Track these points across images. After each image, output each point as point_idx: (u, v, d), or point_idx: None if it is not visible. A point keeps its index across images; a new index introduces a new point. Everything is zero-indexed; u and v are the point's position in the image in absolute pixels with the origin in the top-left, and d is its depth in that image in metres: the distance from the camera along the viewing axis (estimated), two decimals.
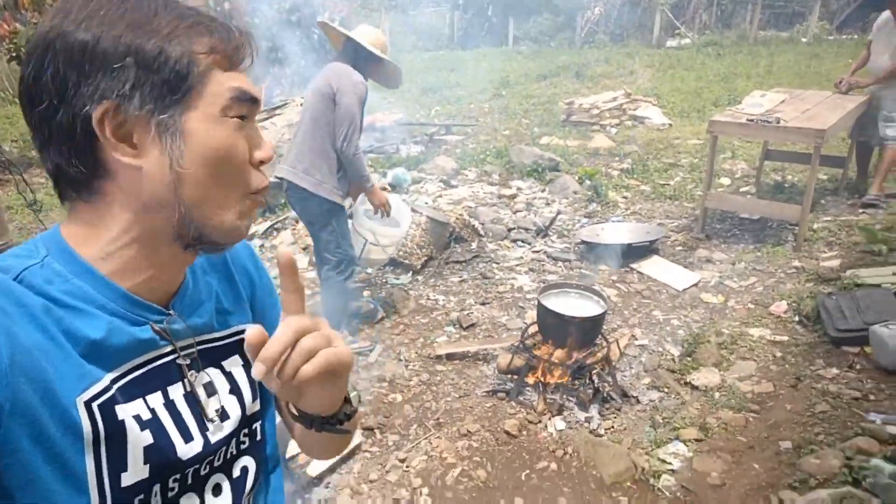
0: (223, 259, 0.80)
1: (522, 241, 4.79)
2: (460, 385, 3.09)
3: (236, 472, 0.76)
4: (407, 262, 4.23)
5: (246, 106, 0.64)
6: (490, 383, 3.09)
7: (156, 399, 0.67)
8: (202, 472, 0.71)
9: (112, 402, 0.62)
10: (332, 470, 2.52)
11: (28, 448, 0.56)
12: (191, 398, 0.70)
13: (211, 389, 0.73)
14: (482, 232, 4.81)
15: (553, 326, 2.93)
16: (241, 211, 0.67)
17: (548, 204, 5.71)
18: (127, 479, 0.63)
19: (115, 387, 0.63)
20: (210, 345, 0.75)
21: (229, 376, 0.76)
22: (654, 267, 4.29)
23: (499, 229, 4.89)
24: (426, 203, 5.13)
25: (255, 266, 0.86)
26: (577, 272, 4.32)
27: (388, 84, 3.36)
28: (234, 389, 0.76)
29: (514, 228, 4.99)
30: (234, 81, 0.63)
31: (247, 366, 0.77)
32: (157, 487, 0.66)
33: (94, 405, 0.60)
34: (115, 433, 0.62)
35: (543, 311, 2.91)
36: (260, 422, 0.80)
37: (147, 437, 0.64)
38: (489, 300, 3.93)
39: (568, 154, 7.11)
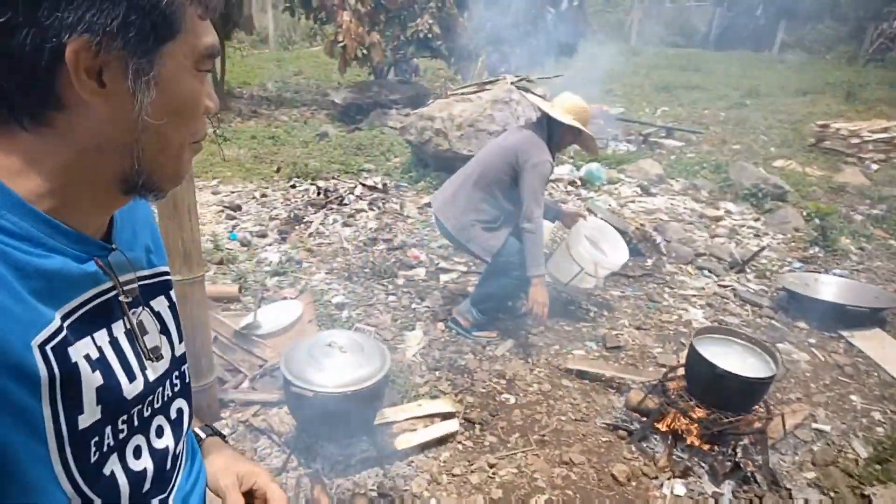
0: (140, 202, 0.78)
1: (710, 272, 4.19)
2: (581, 407, 2.80)
3: (173, 414, 0.78)
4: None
5: (213, 60, 0.64)
6: (614, 416, 2.75)
7: (102, 337, 0.66)
8: (145, 414, 0.72)
9: (65, 343, 0.60)
10: (420, 448, 2.44)
11: None
12: (131, 336, 0.70)
13: (143, 329, 0.73)
14: (664, 250, 4.31)
15: (702, 377, 2.48)
16: (184, 159, 0.67)
17: (757, 236, 4.93)
18: (83, 422, 0.62)
19: (66, 325, 0.61)
20: (141, 283, 0.74)
21: (158, 316, 0.77)
22: (871, 341, 3.46)
23: (685, 251, 4.33)
24: (606, 206, 4.73)
25: (154, 225, 0.86)
26: (766, 322, 3.65)
27: (586, 150, 3.23)
28: (164, 330, 0.77)
29: (704, 254, 4.39)
30: (209, 35, 0.62)
31: (172, 307, 0.80)
32: (109, 429, 0.66)
33: (48, 348, 0.58)
34: (70, 376, 0.60)
35: (695, 356, 2.47)
36: (186, 365, 0.82)
37: (98, 378, 0.63)
38: (647, 326, 3.51)
39: (802, 184, 6.07)
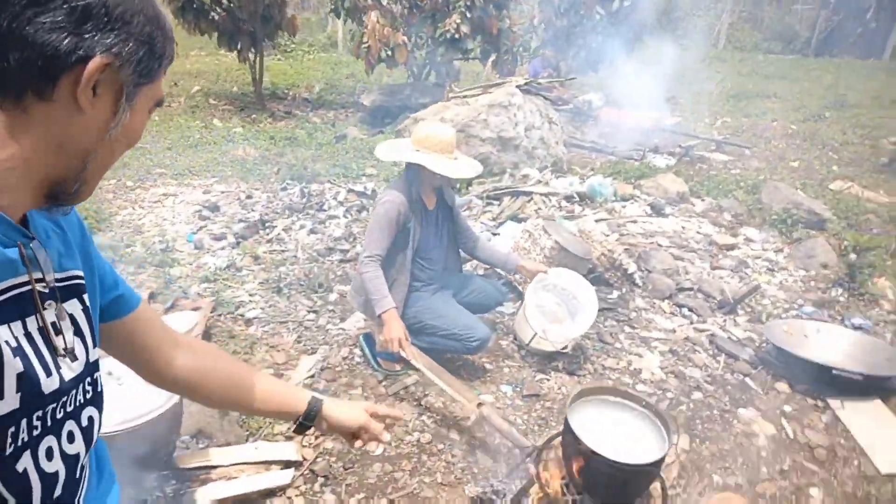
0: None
1: (690, 311, 3.59)
2: (456, 469, 2.39)
3: (84, 421, 0.77)
4: (519, 288, 3.51)
5: (157, 108, 0.77)
6: (491, 485, 2.31)
7: (17, 328, 0.66)
8: (58, 416, 0.71)
9: None
10: (239, 502, 2.14)
11: None
12: (44, 333, 0.70)
13: (56, 328, 0.72)
14: (638, 281, 3.74)
15: (570, 452, 2.01)
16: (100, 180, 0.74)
17: (771, 270, 4.23)
18: (2, 408, 0.62)
19: None
20: (55, 284, 0.74)
21: (72, 318, 0.77)
22: (863, 416, 2.79)
23: (666, 284, 3.75)
24: (571, 225, 4.19)
25: (83, 227, 0.88)
26: (737, 379, 3.05)
27: (453, 174, 2.67)
28: (78, 332, 0.77)
29: (689, 290, 3.78)
30: (161, 89, 0.75)
31: (86, 311, 0.79)
32: (24, 422, 0.65)
33: None
34: None
35: (567, 427, 2.01)
36: (99, 372, 0.81)
37: (18, 365, 0.64)
38: (584, 372, 3.01)
39: (855, 210, 5.19)
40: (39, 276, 0.70)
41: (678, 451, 2.53)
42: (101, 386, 0.83)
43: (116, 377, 1.88)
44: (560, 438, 2.18)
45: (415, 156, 2.60)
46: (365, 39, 7.75)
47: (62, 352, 0.72)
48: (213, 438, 2.34)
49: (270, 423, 2.52)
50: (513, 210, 4.66)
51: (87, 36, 0.62)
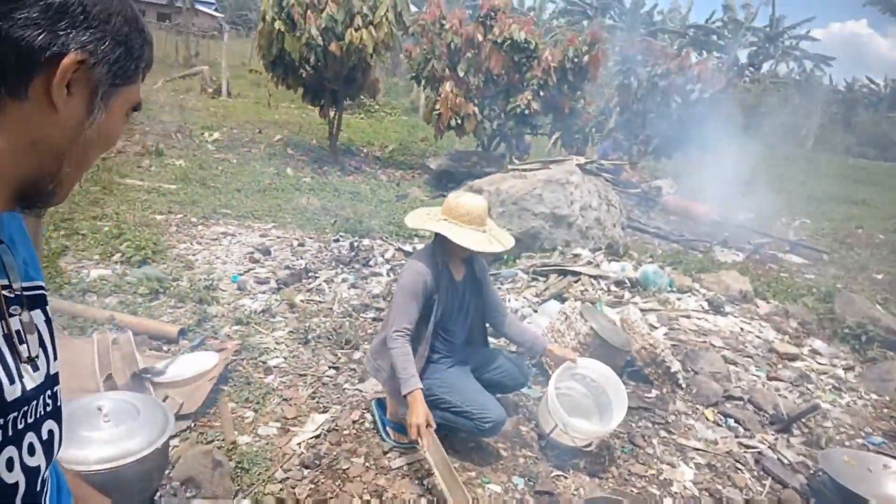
0: (14, 216, 0.79)
1: (737, 422, 3.27)
2: None
3: (45, 434, 0.75)
4: (549, 371, 3.31)
5: (135, 112, 0.76)
6: None
7: None
8: (20, 426, 0.69)
9: None
10: None
11: None
12: (9, 340, 0.68)
13: (21, 337, 0.71)
14: (682, 381, 3.46)
15: None
16: (77, 182, 0.74)
17: (837, 389, 3.84)
18: None
19: None
20: (21, 292, 0.73)
21: (35, 328, 0.75)
22: None
23: (713, 389, 3.45)
24: (612, 313, 3.95)
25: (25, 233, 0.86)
26: None
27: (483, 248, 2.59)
28: (41, 343, 0.75)
29: (737, 399, 3.46)
30: (138, 93, 0.74)
31: (48, 322, 0.78)
32: None
33: None
34: None
35: None
36: (59, 386, 0.80)
37: None
38: (606, 475, 2.76)
39: None
40: (5, 282, 0.70)
41: None
42: (61, 401, 0.81)
43: (104, 414, 1.85)
44: None
45: (438, 225, 2.54)
46: (437, 107, 7.98)
47: (25, 360, 0.70)
48: (202, 489, 2.25)
49: (262, 480, 2.42)
50: (558, 288, 4.51)
51: (62, 33, 0.61)
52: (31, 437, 0.72)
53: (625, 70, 10.68)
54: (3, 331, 0.68)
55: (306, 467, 2.55)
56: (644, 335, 3.42)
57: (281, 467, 2.52)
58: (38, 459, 0.73)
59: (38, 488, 0.74)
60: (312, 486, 2.45)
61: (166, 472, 2.20)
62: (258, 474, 2.44)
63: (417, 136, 12.91)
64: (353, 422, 2.90)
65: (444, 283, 2.63)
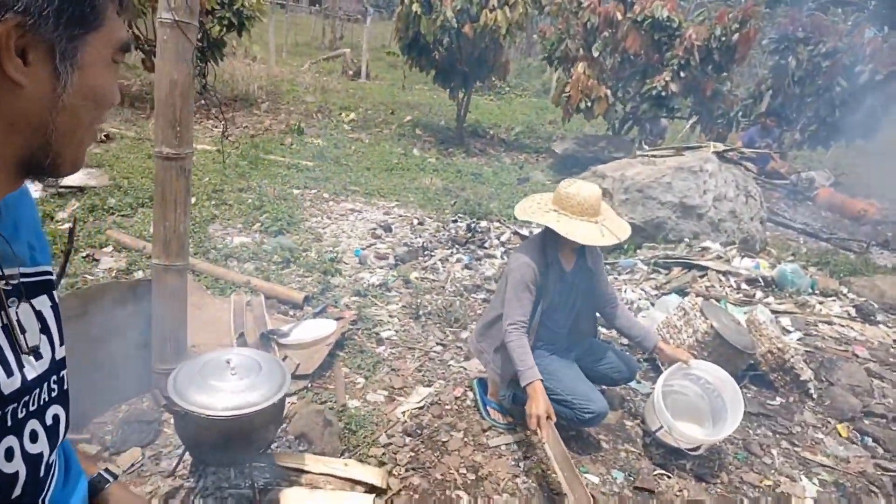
0: (25, 198, 0.79)
1: (875, 441, 2.93)
2: None
3: (49, 420, 0.75)
4: (662, 368, 3.18)
5: (125, 54, 0.69)
6: None
7: None
8: (20, 415, 0.69)
9: None
10: None
11: None
12: (8, 331, 0.68)
13: (22, 326, 0.70)
14: (812, 391, 3.16)
15: None
16: (84, 144, 0.69)
17: None
18: None
19: None
20: (22, 279, 0.72)
21: (39, 315, 0.74)
22: None
23: (848, 403, 3.11)
24: (738, 312, 3.63)
25: (40, 226, 0.85)
26: None
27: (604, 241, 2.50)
28: (45, 329, 0.75)
29: (879, 416, 3.09)
30: (123, 30, 0.67)
31: (54, 307, 0.78)
32: None
33: None
34: None
35: None
36: (66, 371, 0.80)
37: None
38: (715, 480, 2.61)
39: None
40: (10, 271, 0.68)
41: None
42: (67, 384, 0.80)
43: (231, 367, 2.07)
44: None
45: (547, 217, 2.50)
46: (567, 88, 7.79)
47: (26, 350, 0.69)
48: (313, 445, 2.45)
49: (368, 443, 2.57)
50: (680, 283, 4.28)
51: None
52: (33, 424, 0.71)
53: (782, 49, 9.72)
54: (2, 321, 0.67)
55: (408, 435, 2.67)
56: (772, 338, 3.16)
57: (385, 433, 2.67)
58: (40, 446, 0.72)
59: (42, 474, 0.73)
60: (412, 453, 2.57)
61: (282, 425, 2.41)
62: (364, 437, 2.60)
63: (545, 119, 12.70)
64: (456, 398, 2.98)
65: (552, 275, 2.60)
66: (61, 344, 0.77)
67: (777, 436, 2.93)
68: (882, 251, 6.33)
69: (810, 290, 4.52)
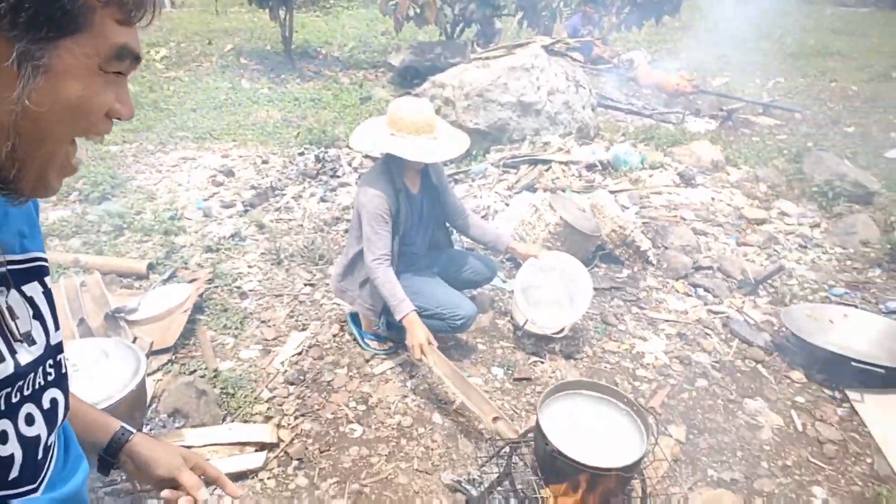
0: None
1: (706, 290, 3.38)
2: (434, 455, 2.32)
3: (46, 404, 0.75)
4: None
5: (126, 63, 0.63)
6: (468, 473, 2.23)
7: None
8: (14, 400, 0.69)
9: None
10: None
11: None
12: None
13: (12, 312, 0.70)
14: (652, 258, 3.53)
15: (538, 452, 1.90)
16: (58, 162, 0.65)
17: (804, 247, 3.94)
18: None
19: None
20: (11, 267, 0.71)
21: (31, 301, 0.74)
22: (883, 412, 2.57)
23: (682, 263, 3.53)
24: (582, 199, 3.93)
25: (37, 213, 0.82)
26: (749, 366, 2.85)
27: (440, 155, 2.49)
28: (38, 315, 0.75)
29: (708, 269, 3.55)
30: (123, 37, 0.61)
31: (47, 293, 0.77)
32: None
33: None
34: None
35: (539, 432, 1.89)
36: (63, 354, 0.80)
37: None
38: (581, 355, 2.87)
39: None
40: None
41: (671, 443, 2.39)
42: (66, 368, 0.81)
43: (72, 364, 1.86)
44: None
45: (388, 142, 2.44)
46: None
47: (18, 336, 0.70)
48: (190, 418, 2.33)
49: (249, 402, 2.50)
50: (529, 179, 4.47)
51: None
52: (28, 407, 0.72)
53: None
54: None
55: (291, 384, 2.63)
56: (613, 218, 3.44)
57: (266, 387, 2.60)
58: (37, 429, 0.73)
59: (40, 456, 0.74)
60: (299, 400, 2.55)
61: (148, 407, 2.25)
62: (244, 397, 2.52)
63: (377, 31, 12.23)
64: (333, 335, 2.96)
65: (403, 201, 2.58)
66: (56, 329, 0.78)
67: (628, 304, 3.26)
68: (695, 118, 7.01)
69: (641, 166, 4.93)
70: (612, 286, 3.34)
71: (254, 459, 2.21)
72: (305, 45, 10.31)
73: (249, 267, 3.53)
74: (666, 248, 3.66)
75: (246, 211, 4.26)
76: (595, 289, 3.31)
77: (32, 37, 0.56)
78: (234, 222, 4.09)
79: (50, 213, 4.04)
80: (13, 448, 0.70)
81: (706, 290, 3.37)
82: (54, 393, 0.77)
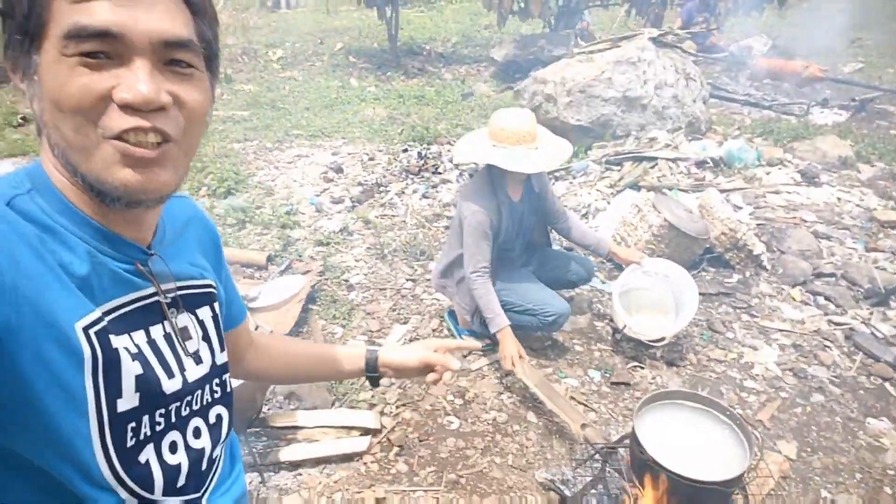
0: (193, 220, 0.86)
1: (827, 300, 3.15)
2: (529, 452, 2.36)
3: (212, 419, 0.82)
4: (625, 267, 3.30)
5: (91, 42, 0.58)
6: (563, 472, 2.26)
7: (139, 337, 0.71)
8: (183, 413, 0.76)
9: (105, 332, 0.65)
10: (317, 462, 2.30)
11: (29, 368, 0.59)
12: (170, 338, 0.75)
13: (186, 334, 0.77)
14: (766, 263, 3.34)
15: (636, 460, 1.89)
16: (105, 158, 0.61)
17: None
18: (122, 406, 0.67)
19: (107, 319, 0.66)
20: (186, 291, 0.79)
21: (202, 324, 0.81)
22: None
23: (801, 269, 3.30)
24: (690, 198, 3.74)
25: (218, 248, 0.92)
26: (874, 383, 2.64)
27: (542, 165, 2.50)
28: (206, 337, 0.82)
29: (829, 275, 3.30)
30: (74, 14, 0.57)
31: (216, 318, 0.84)
32: (146, 419, 0.71)
33: (92, 332, 0.64)
34: (111, 360, 0.65)
35: (635, 441, 1.88)
36: (228, 374, 0.86)
37: (137, 368, 0.69)
38: (684, 363, 2.79)
39: None
40: (168, 285, 0.75)
41: (780, 460, 2.27)
42: (231, 387, 0.87)
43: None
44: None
45: (490, 154, 2.47)
46: None
47: (188, 354, 0.77)
48: (303, 401, 2.52)
49: (356, 388, 2.66)
50: (633, 177, 4.35)
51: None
52: (196, 421, 0.78)
53: None
54: (165, 330, 0.74)
55: None
56: (723, 220, 3.28)
57: None
58: (203, 442, 0.79)
59: (205, 467, 0.80)
60: (400, 391, 2.67)
61: (268, 389, 2.46)
62: (351, 384, 2.68)
63: (481, 25, 12.28)
64: (433, 330, 3.07)
65: (504, 212, 2.61)
66: (222, 350, 0.84)
67: (737, 311, 3.11)
68: (822, 110, 6.48)
69: (757, 163, 4.66)
70: (721, 291, 3.20)
71: (359, 443, 2.35)
72: (410, 42, 10.56)
73: (356, 261, 3.72)
74: (782, 252, 3.45)
75: (353, 206, 4.47)
76: (702, 294, 3.19)
77: (22, 50, 0.59)
78: (343, 217, 4.31)
79: None
80: (181, 458, 0.75)
81: (827, 298, 3.15)
82: (220, 409, 0.83)
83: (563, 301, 2.71)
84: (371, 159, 5.50)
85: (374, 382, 1.16)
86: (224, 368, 0.85)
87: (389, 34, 9.30)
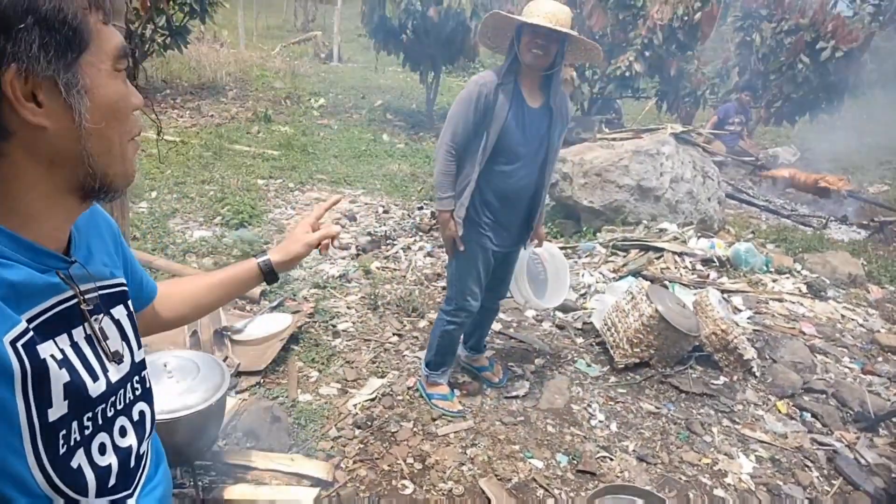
0: (94, 220, 0.88)
1: (814, 417, 3.05)
2: None
3: (136, 416, 0.84)
4: (611, 352, 3.26)
5: (126, 59, 0.69)
6: None
7: (63, 341, 0.72)
8: (109, 414, 0.77)
9: (32, 342, 0.66)
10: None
11: None
12: (91, 340, 0.76)
13: (104, 334, 0.79)
14: (755, 370, 3.26)
15: None
16: (128, 156, 0.73)
17: None
18: (52, 415, 0.68)
19: (31, 327, 0.67)
20: (101, 292, 0.80)
21: (118, 323, 0.83)
22: None
23: (790, 381, 3.22)
24: (686, 294, 3.70)
25: (117, 237, 0.94)
26: None
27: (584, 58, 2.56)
28: (124, 336, 0.83)
29: (819, 392, 3.21)
30: (116, 37, 0.67)
31: (130, 315, 0.86)
32: (75, 424, 0.72)
33: (19, 345, 0.64)
34: (40, 371, 0.66)
35: None
36: (146, 370, 0.89)
37: (65, 375, 0.69)
38: (656, 461, 2.70)
39: None
40: (87, 286, 0.77)
41: None
42: (150, 382, 0.90)
43: (168, 371, 2.09)
44: None
45: (512, 18, 2.31)
46: None
47: (109, 356, 0.78)
48: (260, 441, 2.50)
49: (316, 438, 2.62)
50: (638, 265, 4.35)
51: None
52: (121, 420, 0.80)
53: (746, 27, 9.78)
54: (86, 332, 0.75)
55: (358, 427, 2.73)
56: (716, 320, 3.25)
57: (335, 426, 2.72)
58: (129, 440, 0.81)
59: (133, 464, 0.82)
60: (361, 445, 2.63)
61: (222, 424, 2.45)
62: (313, 431, 2.65)
63: None
64: (409, 388, 3.04)
65: (507, 96, 2.34)
66: (139, 347, 0.86)
67: (719, 414, 3.03)
68: (840, 226, 6.46)
69: (765, 268, 4.63)
70: (705, 392, 3.13)
71: (306, 494, 2.30)
72: (447, 107, 10.89)
73: (348, 308, 3.74)
74: (774, 361, 3.38)
75: (358, 255, 4.54)
76: (685, 392, 3.14)
77: (65, 64, 0.61)
78: (346, 264, 4.37)
79: (195, 231, 4.58)
80: (111, 458, 0.77)
81: (814, 415, 3.05)
82: (142, 406, 0.86)
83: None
84: (386, 212, 5.61)
85: (274, 279, 1.21)
86: (142, 365, 0.87)
87: (428, 97, 9.66)
